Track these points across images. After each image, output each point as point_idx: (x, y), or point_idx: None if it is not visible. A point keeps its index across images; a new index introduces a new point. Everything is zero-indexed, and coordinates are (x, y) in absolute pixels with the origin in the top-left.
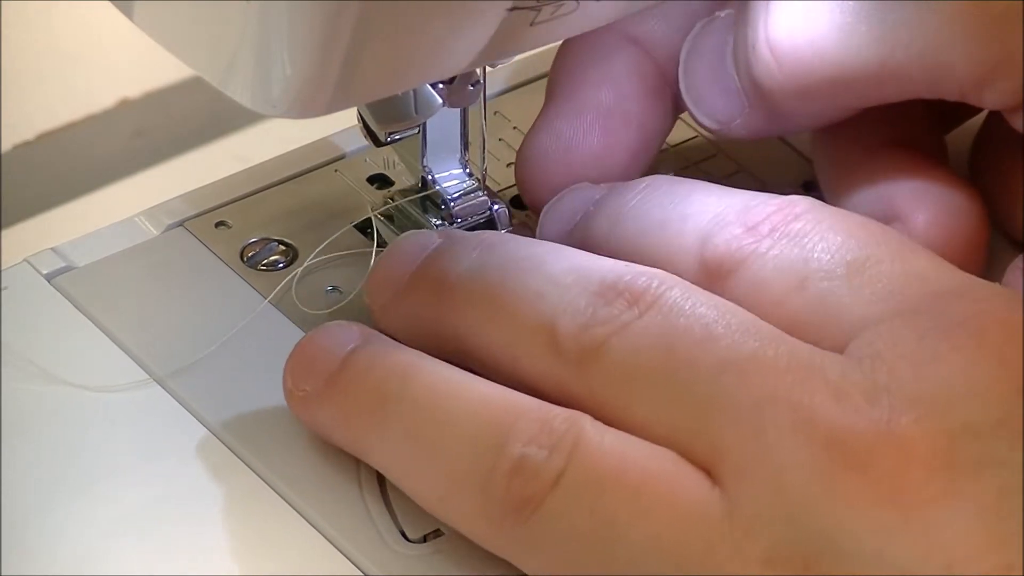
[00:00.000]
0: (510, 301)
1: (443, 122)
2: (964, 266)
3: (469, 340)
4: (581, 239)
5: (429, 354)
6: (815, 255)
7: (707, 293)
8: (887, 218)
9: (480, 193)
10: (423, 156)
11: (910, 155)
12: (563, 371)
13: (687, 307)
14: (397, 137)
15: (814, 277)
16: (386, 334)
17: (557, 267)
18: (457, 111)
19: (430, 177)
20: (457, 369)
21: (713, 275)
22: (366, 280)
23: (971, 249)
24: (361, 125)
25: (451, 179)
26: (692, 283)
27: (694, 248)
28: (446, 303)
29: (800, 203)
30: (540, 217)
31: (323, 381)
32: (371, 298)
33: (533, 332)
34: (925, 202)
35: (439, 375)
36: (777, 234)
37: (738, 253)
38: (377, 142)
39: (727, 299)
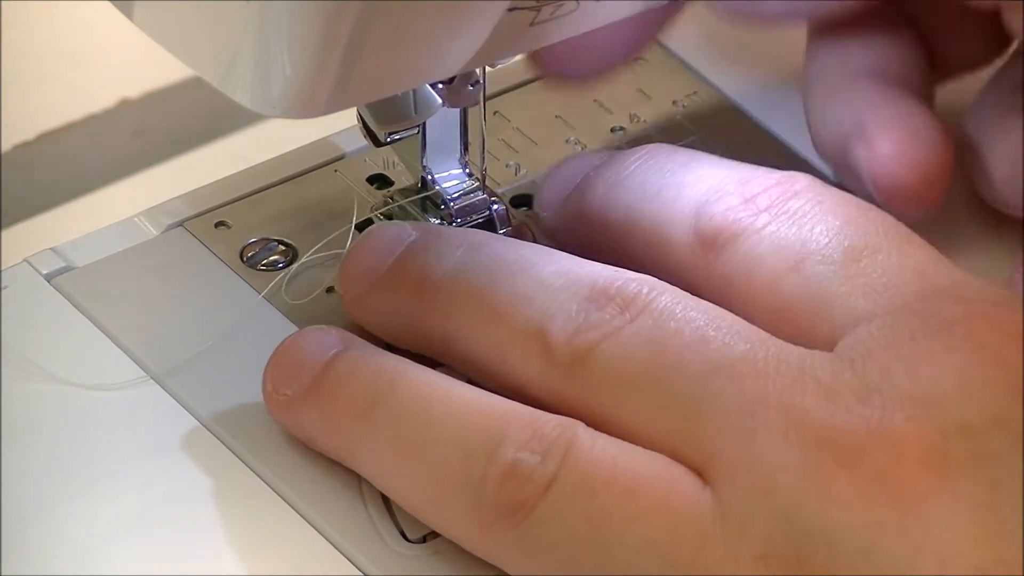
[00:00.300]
0: (498, 304)
1: (443, 122)
2: (923, 195)
3: (455, 341)
4: (577, 205)
5: (407, 351)
6: (813, 236)
7: (697, 299)
8: (854, 137)
9: (480, 193)
10: (423, 156)
11: (888, 85)
12: (553, 375)
13: (677, 311)
14: (397, 137)
15: (810, 259)
16: (358, 325)
17: (546, 271)
18: (457, 111)
19: (430, 177)
20: (443, 375)
21: (708, 246)
22: (338, 269)
23: (932, 179)
24: (361, 125)
25: (451, 179)
26: (685, 254)
27: (689, 217)
28: (429, 302)
29: (800, 179)
30: (542, 183)
31: (305, 386)
32: (344, 288)
33: (523, 336)
34: (892, 127)
35: (425, 380)
36: (775, 210)
37: (734, 225)
38: (377, 142)
39: (720, 272)
